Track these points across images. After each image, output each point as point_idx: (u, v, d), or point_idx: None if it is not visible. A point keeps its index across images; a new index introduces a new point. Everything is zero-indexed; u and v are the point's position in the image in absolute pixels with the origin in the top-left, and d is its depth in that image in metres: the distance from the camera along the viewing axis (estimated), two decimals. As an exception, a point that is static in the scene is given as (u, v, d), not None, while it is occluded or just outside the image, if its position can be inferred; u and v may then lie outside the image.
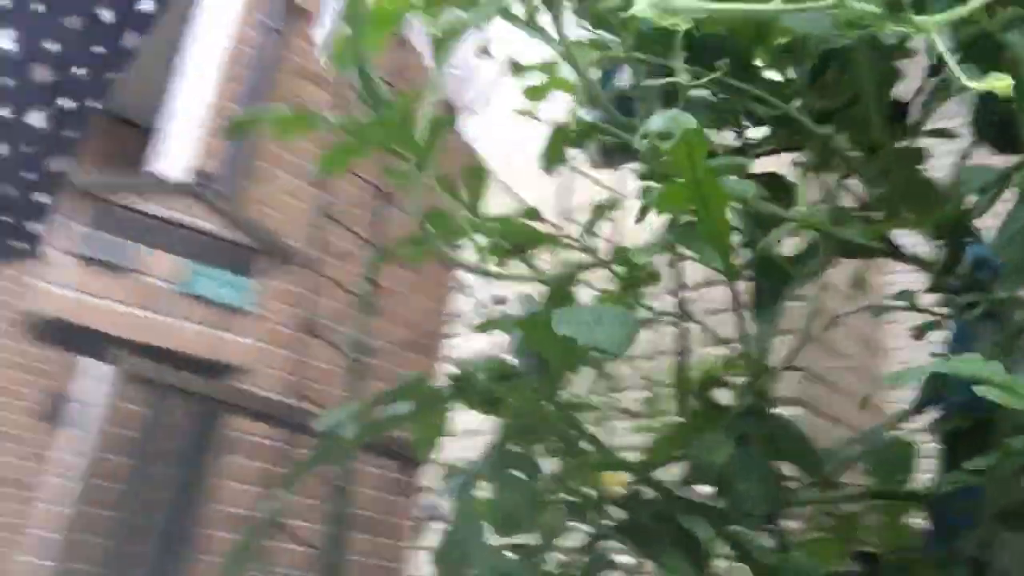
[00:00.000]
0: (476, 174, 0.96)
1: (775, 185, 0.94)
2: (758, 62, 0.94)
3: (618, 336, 0.64)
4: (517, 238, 0.90)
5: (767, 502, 0.77)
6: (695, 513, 0.75)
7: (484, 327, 0.76)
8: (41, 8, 1.26)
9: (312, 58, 3.36)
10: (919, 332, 0.75)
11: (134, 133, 4.80)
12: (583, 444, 0.81)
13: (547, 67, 1.08)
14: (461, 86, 1.37)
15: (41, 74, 1.34)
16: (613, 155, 1.07)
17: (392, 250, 0.87)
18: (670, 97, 0.98)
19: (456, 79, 1.37)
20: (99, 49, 1.37)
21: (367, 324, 1.18)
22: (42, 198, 1.55)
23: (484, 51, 1.35)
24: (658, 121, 0.63)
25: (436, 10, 0.96)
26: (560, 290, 0.86)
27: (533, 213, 0.96)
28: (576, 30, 0.99)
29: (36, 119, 1.38)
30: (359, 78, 0.90)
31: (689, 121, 0.61)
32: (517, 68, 1.11)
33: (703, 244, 0.77)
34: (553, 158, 0.91)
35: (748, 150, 0.98)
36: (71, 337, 2.17)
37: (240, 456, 2.43)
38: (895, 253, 0.80)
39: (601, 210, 0.86)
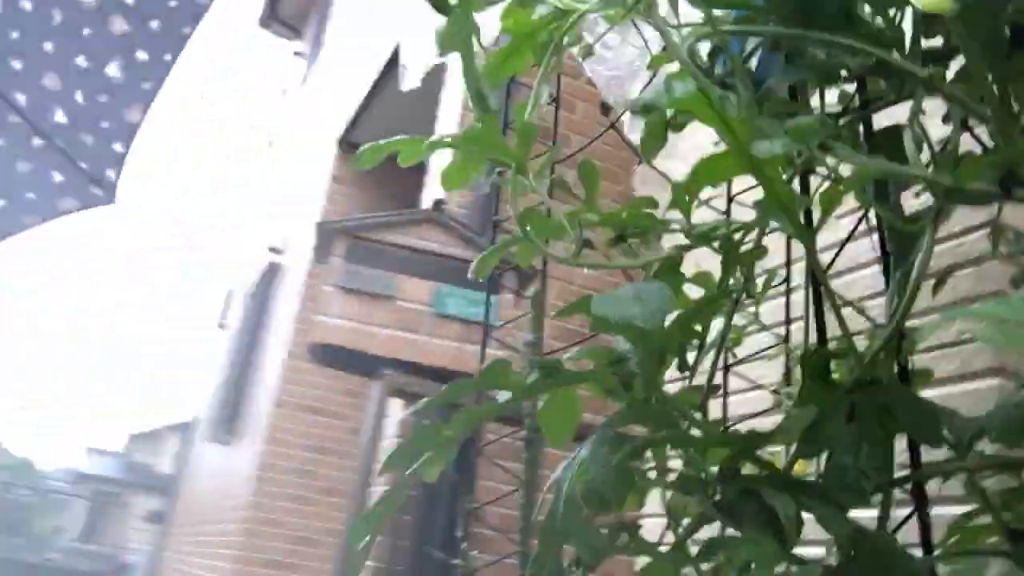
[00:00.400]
0: (589, 170, 0.99)
1: (894, 139, 0.87)
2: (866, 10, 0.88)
3: (651, 310, 0.65)
4: (622, 228, 0.92)
5: (873, 476, 0.73)
6: (789, 489, 0.72)
7: (559, 313, 0.79)
8: None
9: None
10: (1017, 280, 0.67)
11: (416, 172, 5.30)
12: (684, 424, 0.81)
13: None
14: (618, 85, 1.39)
15: (119, 25, 1.45)
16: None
17: (501, 251, 0.93)
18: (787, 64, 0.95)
19: (613, 79, 1.39)
20: (174, 2, 1.47)
21: (540, 324, 1.25)
22: (119, 147, 1.67)
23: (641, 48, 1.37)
24: (648, 94, 0.64)
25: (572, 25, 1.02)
26: (660, 273, 0.87)
27: (649, 202, 0.98)
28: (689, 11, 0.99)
29: (113, 69, 1.49)
30: (469, 92, 0.98)
31: (683, 89, 0.61)
32: (655, 59, 1.12)
33: (775, 211, 0.75)
34: (651, 146, 0.92)
35: (868, 104, 0.91)
36: (344, 360, 2.46)
37: (498, 458, 2.60)
38: (1011, 195, 0.72)
39: (682, 189, 0.85)
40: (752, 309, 1.09)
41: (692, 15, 1.00)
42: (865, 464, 0.73)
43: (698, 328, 0.90)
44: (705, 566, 0.80)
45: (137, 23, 1.51)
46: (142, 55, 1.55)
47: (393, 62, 4.88)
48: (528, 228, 0.91)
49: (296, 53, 8.88)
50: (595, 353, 0.89)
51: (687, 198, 0.81)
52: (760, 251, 0.87)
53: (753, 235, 0.91)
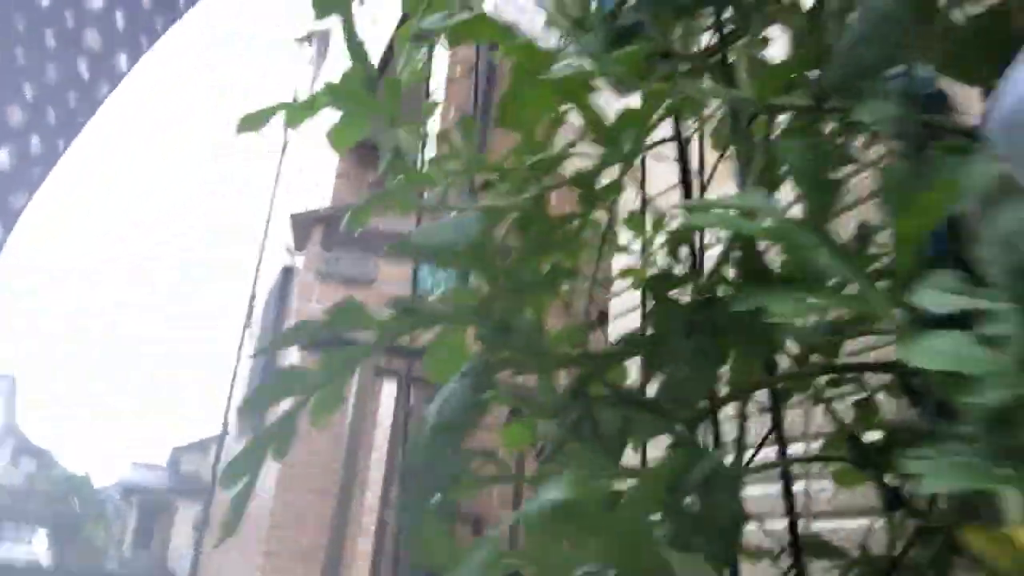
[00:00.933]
0: (467, 125, 1.03)
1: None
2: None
3: (463, 234, 0.69)
4: (488, 174, 0.95)
5: (700, 389, 0.75)
6: (621, 405, 0.75)
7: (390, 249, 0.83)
8: (20, 55, 1.39)
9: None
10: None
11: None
12: (538, 352, 0.84)
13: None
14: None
15: (15, 116, 1.42)
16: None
17: (375, 204, 0.97)
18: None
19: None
20: (73, 98, 1.44)
21: (465, 281, 1.29)
22: None
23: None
24: (429, 20, 0.67)
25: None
26: (519, 217, 0.90)
27: (523, 149, 1.01)
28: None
29: (2, 156, 1.44)
30: (348, 48, 1.01)
31: (466, 14, 0.64)
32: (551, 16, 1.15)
33: (600, 139, 0.77)
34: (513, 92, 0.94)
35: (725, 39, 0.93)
36: (326, 345, 2.51)
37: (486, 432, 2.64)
38: (828, 109, 0.74)
39: (547, 131, 0.87)
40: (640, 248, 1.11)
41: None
42: (697, 377, 0.76)
43: (568, 266, 0.93)
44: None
45: (32, 114, 1.47)
46: (35, 143, 1.50)
47: (389, 53, 4.94)
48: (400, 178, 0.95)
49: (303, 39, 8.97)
50: (461, 294, 0.93)
51: (525, 136, 0.83)
52: (614, 186, 0.89)
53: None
